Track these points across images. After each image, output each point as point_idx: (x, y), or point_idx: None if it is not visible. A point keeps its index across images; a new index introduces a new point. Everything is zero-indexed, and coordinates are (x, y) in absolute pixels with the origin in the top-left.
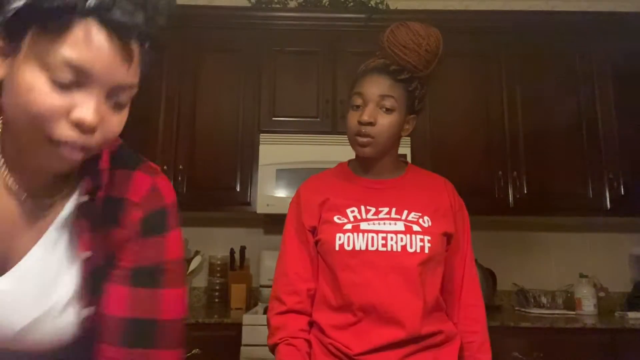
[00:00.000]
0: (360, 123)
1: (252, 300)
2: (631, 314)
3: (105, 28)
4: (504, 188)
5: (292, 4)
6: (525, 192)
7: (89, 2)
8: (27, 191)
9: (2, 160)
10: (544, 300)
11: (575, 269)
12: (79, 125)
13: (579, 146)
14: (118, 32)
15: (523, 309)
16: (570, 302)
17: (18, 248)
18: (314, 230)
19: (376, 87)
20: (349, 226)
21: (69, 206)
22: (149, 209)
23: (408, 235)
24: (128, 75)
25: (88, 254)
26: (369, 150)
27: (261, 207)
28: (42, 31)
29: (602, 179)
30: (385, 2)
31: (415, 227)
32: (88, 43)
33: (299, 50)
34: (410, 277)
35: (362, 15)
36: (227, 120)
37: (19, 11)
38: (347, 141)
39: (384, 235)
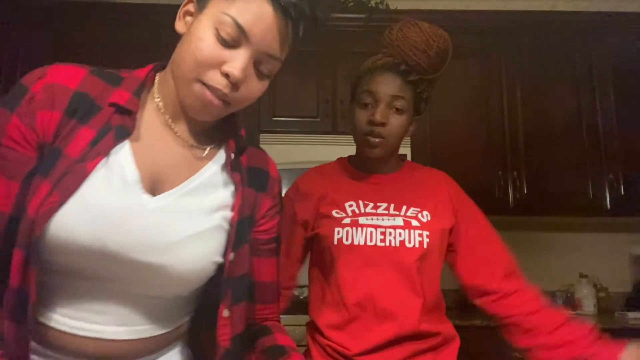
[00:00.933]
0: (373, 123)
1: None
2: (631, 314)
3: (272, 2)
4: (504, 188)
5: None
6: (525, 192)
7: None
8: (184, 137)
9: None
10: None
11: (575, 269)
12: (227, 77)
13: (579, 146)
14: (282, 8)
15: None
16: (570, 302)
17: (177, 179)
18: (305, 225)
19: (388, 87)
20: (347, 220)
21: (221, 156)
22: (280, 185)
23: (407, 231)
24: (278, 48)
25: (240, 201)
26: (379, 151)
27: None
28: None
29: (602, 179)
30: (385, 2)
31: (414, 222)
32: (254, 11)
33: (299, 50)
34: (409, 273)
35: (362, 15)
36: None
37: None
38: (347, 141)
39: (383, 230)
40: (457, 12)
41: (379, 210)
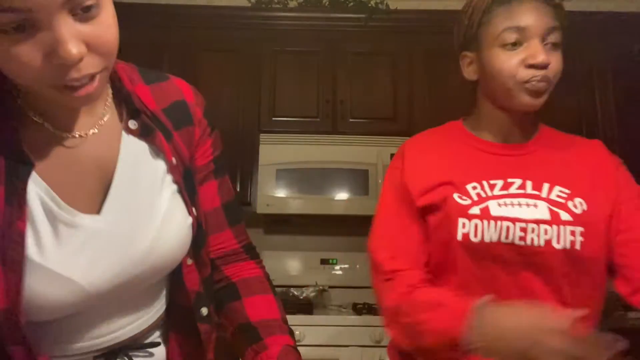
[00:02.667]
0: (535, 66)
1: None
2: (631, 314)
3: None
4: None
5: (292, 4)
6: None
7: None
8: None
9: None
10: None
11: None
12: (64, 66)
13: None
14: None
15: None
16: None
17: (106, 176)
18: (419, 202)
19: (540, 18)
20: (475, 210)
21: (118, 130)
22: (203, 106)
23: (555, 227)
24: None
25: (174, 160)
26: (543, 100)
27: (261, 207)
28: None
29: None
30: (385, 2)
31: (564, 215)
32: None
33: (299, 50)
34: (556, 284)
35: (362, 15)
36: (227, 120)
37: None
38: (347, 141)
39: (523, 225)
40: (457, 12)
41: (512, 190)
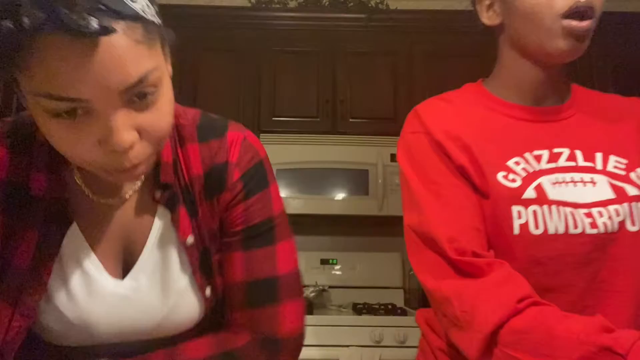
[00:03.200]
0: (578, 3)
1: None
2: None
3: (64, 36)
4: None
5: (292, 4)
6: None
7: (24, 19)
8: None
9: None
10: None
11: None
12: (115, 152)
13: None
14: (78, 35)
15: None
16: None
17: (138, 244)
18: (466, 177)
19: None
20: (531, 193)
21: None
22: (247, 166)
23: (625, 205)
24: (130, 69)
25: (191, 239)
26: (585, 46)
27: None
28: (17, 70)
29: None
30: (385, 2)
31: (631, 189)
32: (56, 66)
33: (299, 50)
34: (637, 280)
35: (362, 15)
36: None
37: None
38: (347, 141)
39: (586, 210)
40: (457, 12)
41: (560, 162)
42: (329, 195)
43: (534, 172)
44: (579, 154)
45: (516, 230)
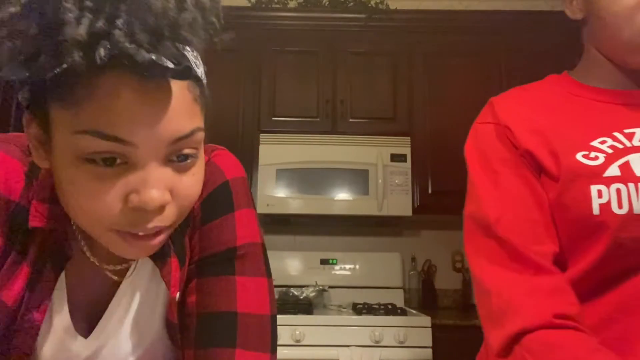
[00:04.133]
0: None
1: None
2: None
3: (130, 77)
4: None
5: (292, 4)
6: None
7: (98, 53)
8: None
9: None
10: None
11: None
12: (140, 211)
13: None
14: (148, 75)
15: None
16: None
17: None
18: (534, 164)
19: None
20: (614, 171)
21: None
22: (207, 190)
23: None
24: (182, 122)
25: (177, 296)
26: None
27: (261, 207)
28: (61, 107)
29: None
30: (385, 2)
31: None
32: (114, 105)
33: (299, 50)
34: None
35: (362, 15)
36: (227, 120)
37: (30, 91)
38: (347, 141)
39: None
40: (457, 12)
41: None
42: (329, 195)
43: (624, 148)
44: None
45: (596, 210)
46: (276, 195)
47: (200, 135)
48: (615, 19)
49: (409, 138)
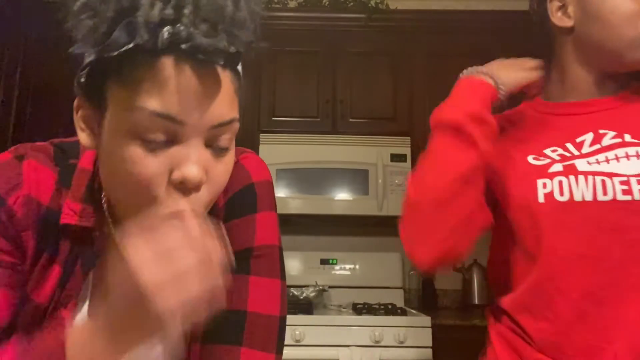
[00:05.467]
0: None
1: None
2: None
3: (186, 61)
4: None
5: (292, 4)
6: None
7: (162, 36)
8: None
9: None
10: None
11: None
12: (179, 188)
13: None
14: (202, 61)
15: None
16: None
17: None
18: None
19: None
20: (557, 167)
21: None
22: (232, 190)
23: None
24: (225, 109)
25: None
26: None
27: None
28: (119, 86)
29: None
30: (385, 2)
31: None
32: (171, 86)
33: (299, 50)
34: None
35: (362, 15)
36: None
37: (91, 69)
38: (347, 141)
39: (624, 179)
40: (457, 12)
41: (605, 141)
42: (329, 195)
43: (571, 156)
44: (627, 136)
45: (541, 198)
46: (276, 195)
47: (237, 126)
48: (620, 18)
49: (409, 138)
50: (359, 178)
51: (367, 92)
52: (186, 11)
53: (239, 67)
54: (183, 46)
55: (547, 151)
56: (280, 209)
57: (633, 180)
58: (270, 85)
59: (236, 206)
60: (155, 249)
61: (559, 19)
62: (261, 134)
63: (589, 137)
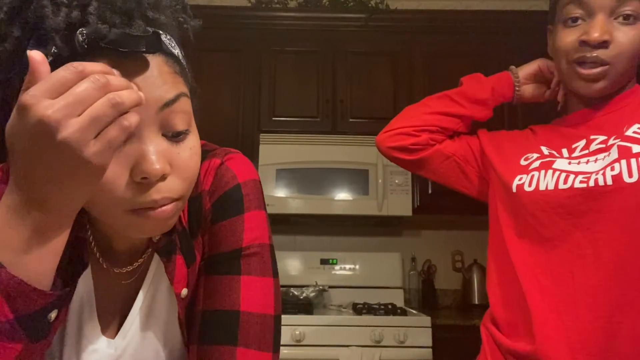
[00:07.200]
0: (587, 44)
1: None
2: None
3: (109, 56)
4: None
5: (292, 4)
6: None
7: (77, 39)
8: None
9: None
10: None
11: None
12: (146, 184)
13: None
14: (127, 53)
15: None
16: None
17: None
18: (475, 160)
19: None
20: (536, 164)
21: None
22: (219, 192)
23: (624, 161)
24: (164, 90)
25: (185, 292)
26: (602, 86)
27: None
28: None
29: None
30: (385, 2)
31: (636, 148)
32: None
33: (299, 50)
34: (636, 230)
35: (362, 15)
36: (227, 120)
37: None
38: (347, 141)
39: (587, 176)
40: (457, 12)
41: (593, 146)
42: (329, 195)
43: (558, 156)
44: (611, 139)
45: (514, 189)
46: (276, 195)
47: (187, 103)
48: (559, 53)
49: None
50: (359, 178)
51: (367, 92)
52: (91, 8)
53: (175, 49)
54: (101, 44)
55: (539, 154)
56: (280, 209)
57: (593, 175)
58: (270, 85)
59: (223, 208)
60: (48, 83)
61: (549, 48)
62: (261, 134)
63: (581, 143)
